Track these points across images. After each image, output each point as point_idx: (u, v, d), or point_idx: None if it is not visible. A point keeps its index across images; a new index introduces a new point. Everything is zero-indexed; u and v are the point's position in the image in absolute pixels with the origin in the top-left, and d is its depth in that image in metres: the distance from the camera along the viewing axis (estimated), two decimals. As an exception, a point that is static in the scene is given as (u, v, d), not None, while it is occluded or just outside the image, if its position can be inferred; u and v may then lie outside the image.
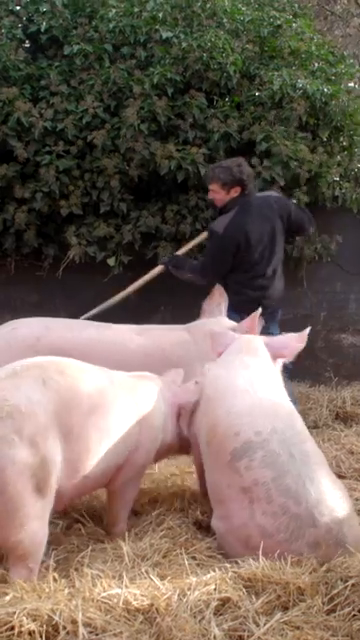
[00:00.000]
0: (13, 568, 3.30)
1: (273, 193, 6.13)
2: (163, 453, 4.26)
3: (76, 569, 3.36)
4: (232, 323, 5.08)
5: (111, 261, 6.63)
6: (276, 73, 6.79)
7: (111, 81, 6.64)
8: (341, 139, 7.27)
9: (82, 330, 4.96)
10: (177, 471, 4.98)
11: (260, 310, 4.81)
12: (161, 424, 4.10)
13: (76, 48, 6.76)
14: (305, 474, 3.56)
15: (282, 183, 6.49)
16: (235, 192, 5.83)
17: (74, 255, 6.54)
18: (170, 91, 6.56)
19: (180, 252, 6.28)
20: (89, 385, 3.65)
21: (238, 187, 5.82)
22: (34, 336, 4.74)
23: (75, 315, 5.77)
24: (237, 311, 5.46)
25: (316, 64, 7.24)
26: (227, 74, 6.71)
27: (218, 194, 5.88)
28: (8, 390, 3.31)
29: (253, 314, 4.73)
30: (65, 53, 6.84)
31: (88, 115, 6.50)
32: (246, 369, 4.05)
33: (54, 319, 5.15)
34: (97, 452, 3.61)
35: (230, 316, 5.39)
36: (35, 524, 3.27)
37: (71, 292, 6.91)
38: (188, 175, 6.45)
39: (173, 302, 6.88)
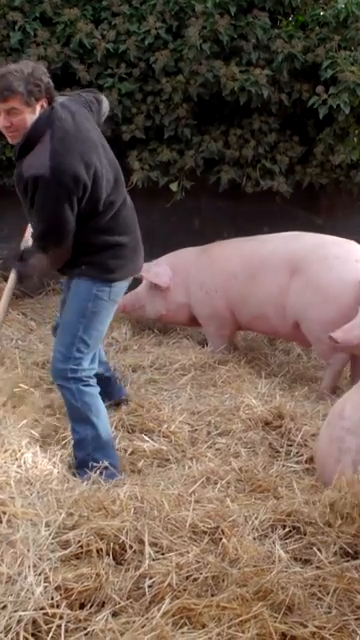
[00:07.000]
0: None
1: (64, 95, 4.06)
2: None
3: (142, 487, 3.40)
4: None
5: (174, 186, 6.55)
6: (341, -9, 6.52)
7: (172, 0, 6.47)
8: None
9: None
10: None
11: None
12: None
13: (137, -33, 6.57)
14: None
15: (347, 111, 6.26)
16: (42, 107, 3.71)
17: (137, 180, 6.48)
18: (233, 10, 6.34)
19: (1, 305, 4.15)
20: None
21: (45, 98, 3.72)
22: None
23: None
24: (99, 279, 3.92)
25: (384, -19, 6.93)
26: (291, -9, 6.46)
27: (19, 115, 3.66)
28: None
29: None
30: (126, -27, 6.65)
31: (150, 36, 6.34)
32: None
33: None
34: None
35: (89, 290, 3.90)
36: None
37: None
38: (251, 97, 6.25)
39: (236, 227, 6.78)
